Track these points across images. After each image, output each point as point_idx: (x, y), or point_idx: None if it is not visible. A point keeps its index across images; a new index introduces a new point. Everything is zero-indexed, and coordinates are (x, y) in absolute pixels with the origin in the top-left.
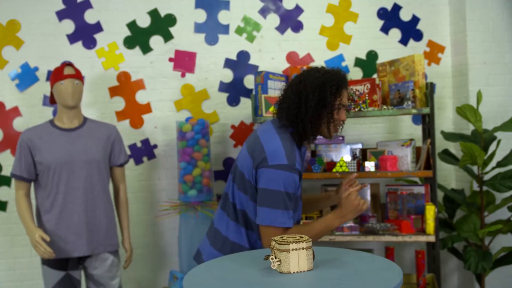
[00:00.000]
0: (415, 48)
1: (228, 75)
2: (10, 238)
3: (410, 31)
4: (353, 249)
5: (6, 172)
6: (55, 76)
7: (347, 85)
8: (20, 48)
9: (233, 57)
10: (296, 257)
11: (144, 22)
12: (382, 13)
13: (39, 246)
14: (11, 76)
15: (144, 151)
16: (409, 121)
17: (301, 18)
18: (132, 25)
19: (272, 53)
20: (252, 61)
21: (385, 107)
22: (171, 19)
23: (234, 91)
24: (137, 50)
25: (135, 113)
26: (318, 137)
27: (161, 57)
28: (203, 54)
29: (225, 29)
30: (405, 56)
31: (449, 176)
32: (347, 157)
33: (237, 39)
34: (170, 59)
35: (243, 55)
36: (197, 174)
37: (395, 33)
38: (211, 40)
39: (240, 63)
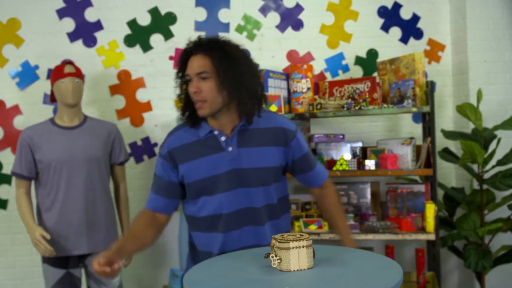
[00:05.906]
0: (416, 46)
1: None
2: (11, 236)
3: (411, 29)
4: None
5: (7, 170)
6: (55, 74)
7: (188, 53)
8: (20, 46)
9: None
10: (296, 255)
11: (145, 20)
12: (382, 11)
13: (40, 244)
14: (11, 74)
15: (145, 149)
16: (409, 119)
17: (301, 16)
18: (132, 23)
19: (272, 51)
20: None
21: (385, 105)
22: (171, 17)
23: None
24: (138, 48)
25: (135, 111)
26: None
27: (162, 55)
28: None
29: (225, 27)
30: (406, 54)
31: (449, 174)
32: (347, 156)
33: (237, 38)
34: (171, 57)
35: None
36: None
37: (396, 32)
38: None
39: None
